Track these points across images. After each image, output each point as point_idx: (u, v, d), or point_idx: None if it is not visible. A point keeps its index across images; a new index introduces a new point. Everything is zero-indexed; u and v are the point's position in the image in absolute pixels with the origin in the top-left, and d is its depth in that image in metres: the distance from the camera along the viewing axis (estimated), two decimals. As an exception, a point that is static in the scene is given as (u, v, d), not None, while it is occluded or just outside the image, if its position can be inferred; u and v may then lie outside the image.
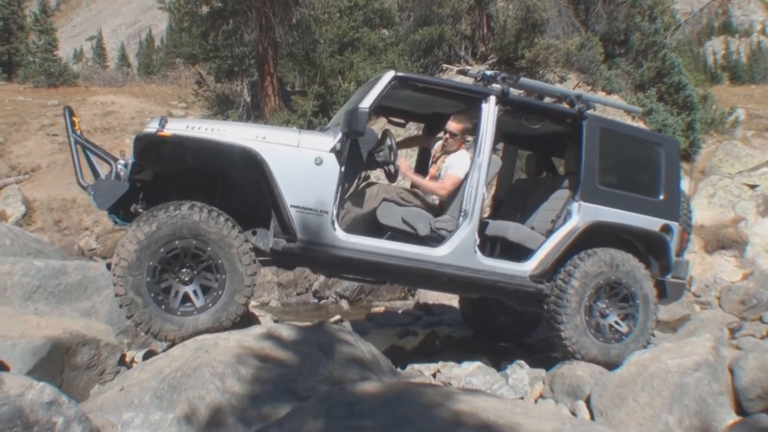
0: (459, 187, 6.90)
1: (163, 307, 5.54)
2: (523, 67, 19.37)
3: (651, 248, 7.40)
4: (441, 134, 7.41)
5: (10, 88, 30.45)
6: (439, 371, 7.05)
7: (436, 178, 7.13)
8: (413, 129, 12.64)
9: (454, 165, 6.99)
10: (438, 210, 6.96)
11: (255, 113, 23.52)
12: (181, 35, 29.11)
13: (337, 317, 10.73)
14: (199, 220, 5.57)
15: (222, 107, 24.99)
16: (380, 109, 7.53)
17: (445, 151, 7.21)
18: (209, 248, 5.62)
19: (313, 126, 18.77)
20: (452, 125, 7.09)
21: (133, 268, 5.41)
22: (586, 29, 21.85)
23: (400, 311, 11.72)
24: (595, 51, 20.03)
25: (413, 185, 7.19)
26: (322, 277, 13.33)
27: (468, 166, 6.86)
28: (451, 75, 19.48)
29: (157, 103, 28.95)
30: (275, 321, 7.99)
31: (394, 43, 24.03)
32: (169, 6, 23.80)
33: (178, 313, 5.60)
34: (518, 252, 7.08)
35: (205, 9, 23.47)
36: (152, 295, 5.49)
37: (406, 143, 8.45)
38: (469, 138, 7.12)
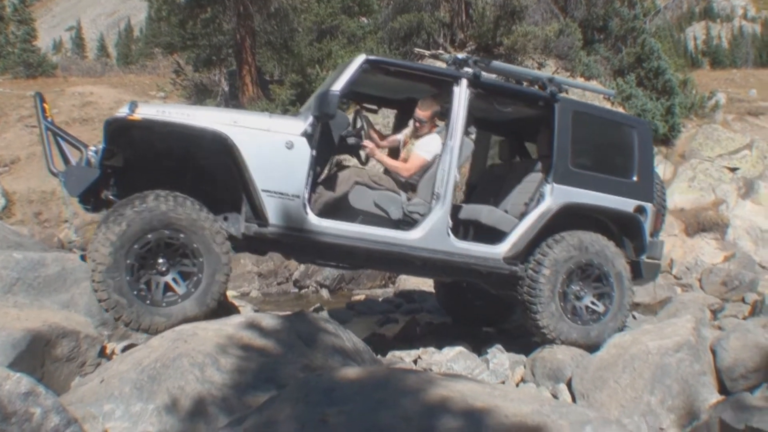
0: (426, 170, 6.93)
1: (147, 302, 5.52)
2: (501, 53, 19.36)
3: (625, 229, 7.45)
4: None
5: (-13, 80, 30.27)
6: (419, 357, 7.05)
7: (405, 161, 7.14)
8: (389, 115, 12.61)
9: (421, 147, 7.01)
10: (411, 193, 6.96)
11: (233, 102, 23.47)
12: (160, 25, 29.00)
13: (317, 305, 10.73)
14: (167, 210, 5.53)
15: (200, 96, 24.95)
16: (353, 95, 7.52)
17: (416, 136, 7.21)
18: (182, 235, 5.59)
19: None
20: (420, 113, 7.09)
21: (111, 270, 5.37)
22: (565, 15, 21.83)
23: (380, 299, 11.72)
24: (574, 37, 20.02)
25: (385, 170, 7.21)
26: (302, 267, 13.33)
27: (437, 149, 6.88)
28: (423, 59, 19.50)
29: (136, 93, 28.81)
30: (255, 311, 7.97)
31: (372, 31, 23.97)
32: (149, -5, 23.78)
33: (163, 304, 5.59)
34: (492, 235, 7.10)
35: (183, -3, 23.41)
36: (135, 292, 5.46)
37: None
38: (439, 122, 7.13)
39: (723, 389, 5.88)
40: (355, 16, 25.25)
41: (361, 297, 12.11)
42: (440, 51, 10.01)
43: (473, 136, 8.49)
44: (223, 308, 6.31)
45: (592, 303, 7.10)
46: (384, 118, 11.61)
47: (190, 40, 24.58)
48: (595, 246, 7.05)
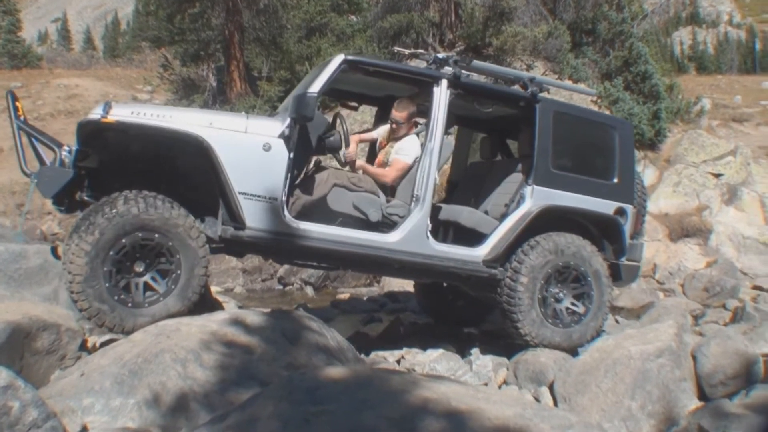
0: (406, 173, 6.90)
1: (129, 304, 5.49)
2: (490, 54, 19.36)
3: (605, 231, 7.43)
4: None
5: (-28, 70, 30.10)
6: (403, 358, 7.04)
7: (384, 164, 7.11)
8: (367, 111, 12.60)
9: (401, 150, 6.99)
10: (390, 194, 6.93)
11: (221, 98, 23.40)
12: (148, 18, 28.88)
13: (301, 303, 10.70)
14: (139, 212, 5.46)
15: (187, 92, 24.85)
16: (333, 92, 7.47)
17: (394, 138, 7.19)
18: (156, 235, 5.53)
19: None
20: (396, 114, 7.07)
21: (90, 279, 5.32)
22: (554, 17, 21.86)
23: (365, 298, 11.70)
24: (563, 39, 20.04)
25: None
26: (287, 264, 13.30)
27: (417, 152, 6.86)
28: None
29: (122, 86, 28.77)
30: (240, 307, 7.95)
31: (362, 30, 23.93)
32: (136, -12, 23.77)
33: (146, 304, 5.55)
34: (472, 237, 7.08)
35: (171, -9, 23.34)
36: (115, 298, 5.42)
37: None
38: (420, 121, 7.11)
39: (702, 395, 5.89)
40: (345, 14, 25.24)
41: (346, 295, 12.08)
42: (420, 50, 9.94)
43: (453, 134, 8.47)
44: (206, 304, 6.28)
45: (572, 304, 7.11)
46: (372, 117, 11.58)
47: (178, 34, 24.49)
48: (571, 248, 7.03)
